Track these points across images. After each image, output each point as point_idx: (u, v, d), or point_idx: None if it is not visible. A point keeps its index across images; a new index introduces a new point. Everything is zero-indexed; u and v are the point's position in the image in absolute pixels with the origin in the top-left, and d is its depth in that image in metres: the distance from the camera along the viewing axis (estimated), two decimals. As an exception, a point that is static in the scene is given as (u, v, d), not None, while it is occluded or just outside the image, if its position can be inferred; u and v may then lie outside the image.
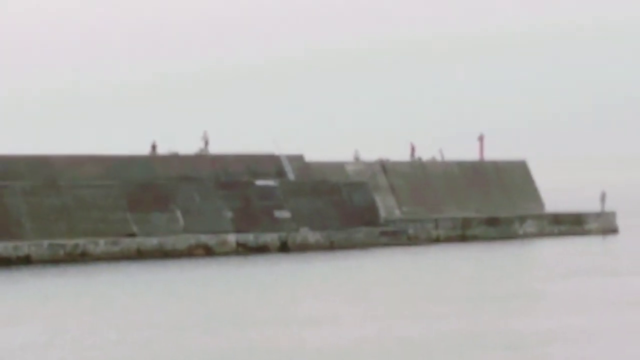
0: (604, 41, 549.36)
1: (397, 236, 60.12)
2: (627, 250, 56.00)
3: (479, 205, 67.55)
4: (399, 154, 68.79)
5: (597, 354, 21.69)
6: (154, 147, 57.53)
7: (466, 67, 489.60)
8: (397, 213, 64.34)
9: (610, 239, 65.13)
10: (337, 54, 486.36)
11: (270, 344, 23.04)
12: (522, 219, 65.71)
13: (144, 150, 58.54)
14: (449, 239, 61.66)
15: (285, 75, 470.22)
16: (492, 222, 64.13)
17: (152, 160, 57.87)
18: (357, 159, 66.22)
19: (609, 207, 69.78)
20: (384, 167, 66.73)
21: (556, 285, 39.11)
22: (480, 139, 71.57)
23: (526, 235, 64.13)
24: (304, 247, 56.81)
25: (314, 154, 63.19)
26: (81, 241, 49.74)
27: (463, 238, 61.92)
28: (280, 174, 60.39)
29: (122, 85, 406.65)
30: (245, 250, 54.74)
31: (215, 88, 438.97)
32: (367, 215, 60.49)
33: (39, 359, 21.51)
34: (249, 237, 55.40)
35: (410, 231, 60.76)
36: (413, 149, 68.92)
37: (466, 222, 63.32)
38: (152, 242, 52.02)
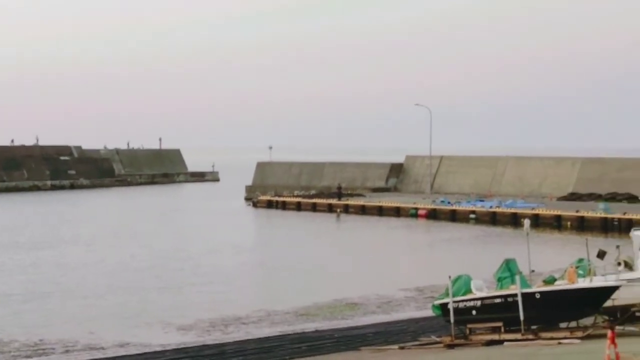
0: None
1: (122, 182, 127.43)
2: (221, 187, 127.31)
3: (159, 168, 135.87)
4: (124, 145, 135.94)
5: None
6: (12, 140, 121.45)
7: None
8: (123, 172, 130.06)
9: (216, 183, 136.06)
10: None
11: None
12: (178, 174, 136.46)
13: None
14: (146, 184, 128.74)
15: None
16: (165, 175, 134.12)
17: (14, 148, 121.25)
18: (105, 147, 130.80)
19: (216, 169, 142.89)
20: (117, 151, 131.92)
21: (189, 202, 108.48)
22: (160, 139, 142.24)
23: (180, 182, 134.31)
24: (81, 187, 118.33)
25: (85, 145, 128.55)
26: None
27: (153, 183, 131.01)
28: (71, 154, 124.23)
29: None
30: (54, 188, 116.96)
31: None
32: (109, 172, 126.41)
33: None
34: (56, 182, 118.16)
35: (129, 179, 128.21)
36: (128, 144, 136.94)
37: (153, 175, 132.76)
38: (13, 184, 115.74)
